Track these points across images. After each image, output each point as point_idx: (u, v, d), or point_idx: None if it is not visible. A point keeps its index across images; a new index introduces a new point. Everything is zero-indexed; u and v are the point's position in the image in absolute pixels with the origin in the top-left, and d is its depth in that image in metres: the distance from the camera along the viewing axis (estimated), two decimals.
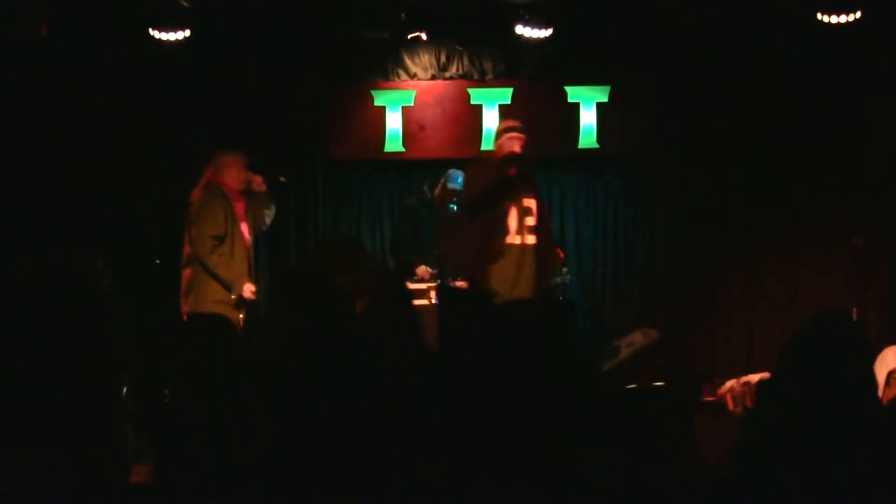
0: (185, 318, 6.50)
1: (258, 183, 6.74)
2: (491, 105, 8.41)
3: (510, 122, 6.99)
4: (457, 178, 7.67)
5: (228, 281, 6.47)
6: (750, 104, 8.25)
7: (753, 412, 3.33)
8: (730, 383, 7.12)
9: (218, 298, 6.41)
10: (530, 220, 6.72)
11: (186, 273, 6.58)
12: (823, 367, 2.91)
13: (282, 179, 7.15)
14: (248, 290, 6.53)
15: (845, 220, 7.91)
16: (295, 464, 3.02)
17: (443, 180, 7.68)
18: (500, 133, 6.90)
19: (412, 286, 7.05)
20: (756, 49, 8.05)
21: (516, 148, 6.71)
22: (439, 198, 7.66)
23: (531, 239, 6.70)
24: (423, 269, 7.54)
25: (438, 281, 7.20)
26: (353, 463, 3.00)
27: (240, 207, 6.66)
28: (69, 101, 7.71)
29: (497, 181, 6.64)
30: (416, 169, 8.46)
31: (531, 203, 6.77)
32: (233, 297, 6.47)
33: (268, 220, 6.92)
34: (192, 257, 6.55)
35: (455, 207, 7.71)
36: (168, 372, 3.47)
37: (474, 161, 7.28)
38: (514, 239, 6.68)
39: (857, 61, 7.87)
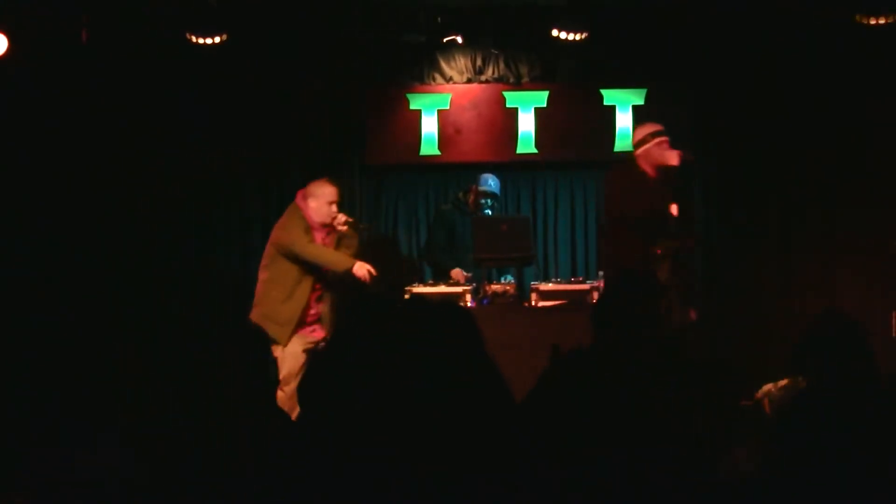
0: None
1: (339, 222, 6.51)
2: (527, 108, 8.41)
3: (654, 126, 6.58)
4: (487, 181, 7.73)
5: (330, 261, 6.37)
6: (788, 106, 8.18)
7: (779, 416, 3.33)
8: (767, 387, 7.05)
9: (275, 319, 6.22)
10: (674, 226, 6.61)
11: (259, 284, 6.52)
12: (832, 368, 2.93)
13: (362, 226, 7.07)
14: (364, 268, 6.34)
15: (883, 223, 7.87)
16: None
17: (474, 185, 7.74)
18: (645, 138, 6.51)
19: (447, 289, 7.07)
20: (794, 50, 7.99)
21: (674, 161, 6.40)
22: (473, 203, 7.72)
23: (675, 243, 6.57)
24: (458, 273, 7.55)
25: (474, 284, 7.20)
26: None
27: (318, 238, 6.49)
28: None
29: (653, 198, 6.40)
30: (451, 172, 8.49)
31: (674, 208, 6.57)
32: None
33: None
34: (266, 267, 6.47)
35: (490, 212, 7.75)
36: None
37: (618, 171, 6.72)
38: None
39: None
